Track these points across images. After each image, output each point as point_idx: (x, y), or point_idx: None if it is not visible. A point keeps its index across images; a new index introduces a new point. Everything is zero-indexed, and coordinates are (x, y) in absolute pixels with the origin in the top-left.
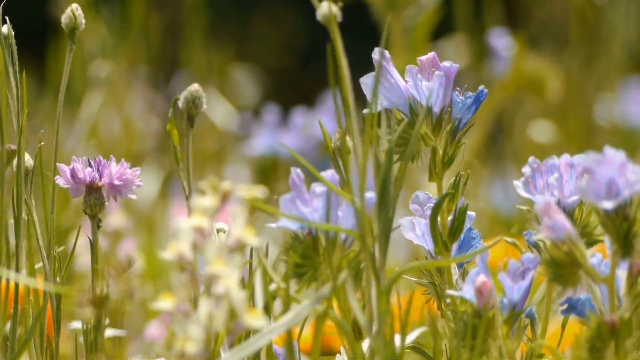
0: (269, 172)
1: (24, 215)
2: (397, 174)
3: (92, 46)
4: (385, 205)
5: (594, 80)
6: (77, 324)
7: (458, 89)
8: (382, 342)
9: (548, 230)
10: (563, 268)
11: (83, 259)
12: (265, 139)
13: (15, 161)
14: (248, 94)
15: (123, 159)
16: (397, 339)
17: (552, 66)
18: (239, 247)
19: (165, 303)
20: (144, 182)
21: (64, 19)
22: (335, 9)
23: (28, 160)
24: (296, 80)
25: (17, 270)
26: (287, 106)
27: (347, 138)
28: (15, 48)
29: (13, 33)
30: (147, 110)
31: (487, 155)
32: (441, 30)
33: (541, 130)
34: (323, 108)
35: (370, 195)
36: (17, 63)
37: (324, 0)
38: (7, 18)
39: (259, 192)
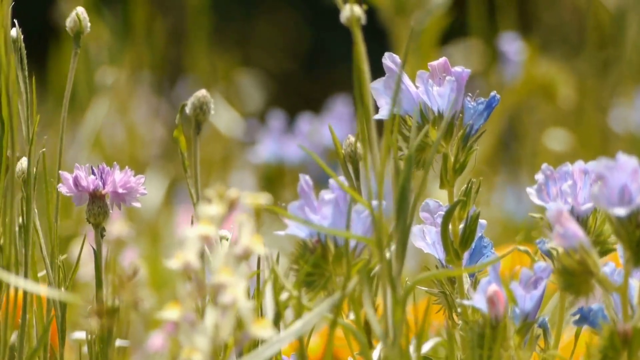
0: (274, 179)
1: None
2: (420, 182)
3: (94, 51)
4: (404, 213)
5: (609, 86)
6: (79, 334)
7: (470, 94)
8: (397, 352)
9: (560, 238)
10: (575, 277)
11: (85, 268)
12: (270, 146)
13: (18, 168)
14: (253, 99)
15: (127, 167)
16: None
17: (564, 71)
18: (246, 255)
19: (171, 313)
20: (148, 189)
21: (69, 22)
22: (359, 12)
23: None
24: (301, 85)
25: (26, 278)
26: (292, 112)
27: (358, 144)
28: (24, 52)
29: (22, 37)
30: (151, 116)
31: (499, 161)
32: (451, 34)
33: (555, 137)
34: (329, 114)
35: (376, 203)
36: (26, 68)
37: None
38: (15, 21)
39: (263, 199)
